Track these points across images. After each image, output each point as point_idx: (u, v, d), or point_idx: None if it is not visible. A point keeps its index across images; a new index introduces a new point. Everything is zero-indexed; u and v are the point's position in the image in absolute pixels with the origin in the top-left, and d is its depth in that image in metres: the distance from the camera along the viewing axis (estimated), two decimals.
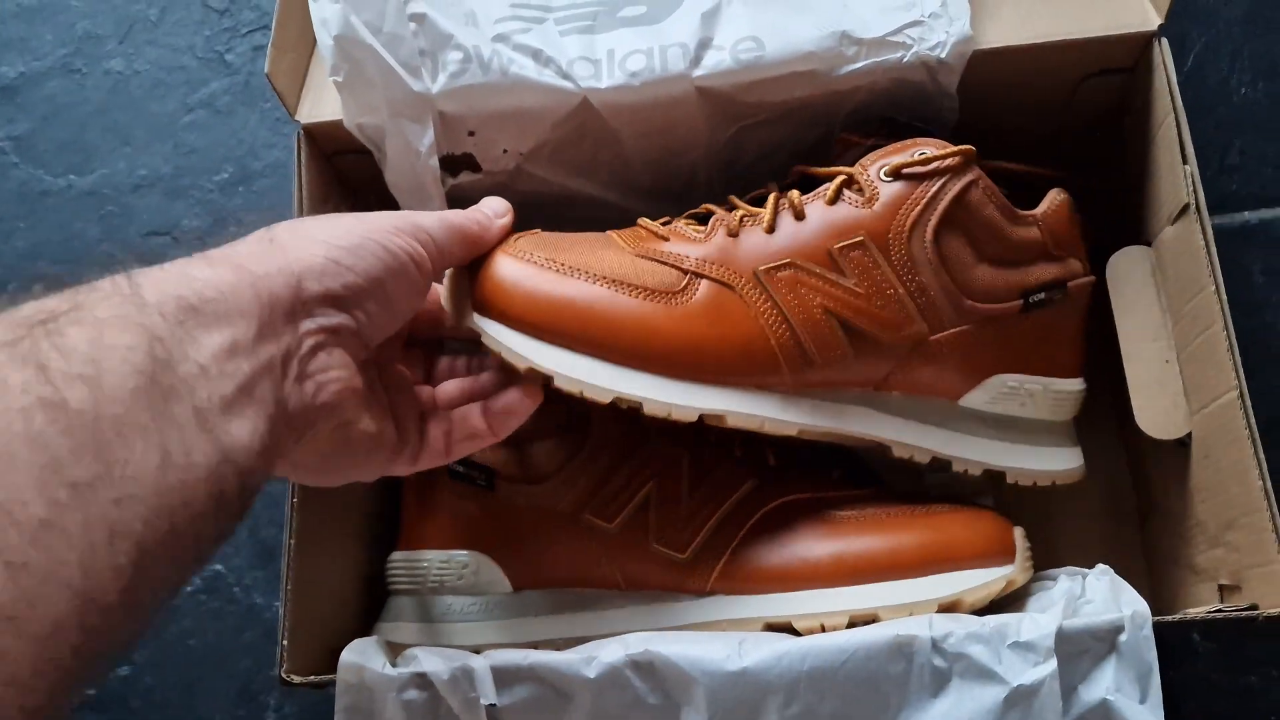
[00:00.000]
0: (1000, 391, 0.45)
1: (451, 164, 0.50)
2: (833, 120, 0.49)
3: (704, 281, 0.42)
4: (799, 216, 0.43)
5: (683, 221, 0.45)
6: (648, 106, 0.48)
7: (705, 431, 0.47)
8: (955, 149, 0.43)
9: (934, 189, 0.43)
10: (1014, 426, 0.46)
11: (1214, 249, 0.43)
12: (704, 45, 0.47)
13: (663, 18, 0.49)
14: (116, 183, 0.67)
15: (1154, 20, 0.47)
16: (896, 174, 0.43)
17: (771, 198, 0.44)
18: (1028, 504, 0.50)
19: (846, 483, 0.47)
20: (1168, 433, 0.46)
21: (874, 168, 0.43)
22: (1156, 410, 0.46)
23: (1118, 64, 0.49)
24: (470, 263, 0.42)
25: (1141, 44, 0.47)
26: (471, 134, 0.49)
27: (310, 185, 0.49)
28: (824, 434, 0.43)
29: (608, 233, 0.45)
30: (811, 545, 0.44)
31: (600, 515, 0.45)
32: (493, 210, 0.43)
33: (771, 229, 0.43)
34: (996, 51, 0.47)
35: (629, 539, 0.45)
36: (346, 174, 0.53)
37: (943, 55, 0.46)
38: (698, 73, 0.47)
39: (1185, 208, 0.44)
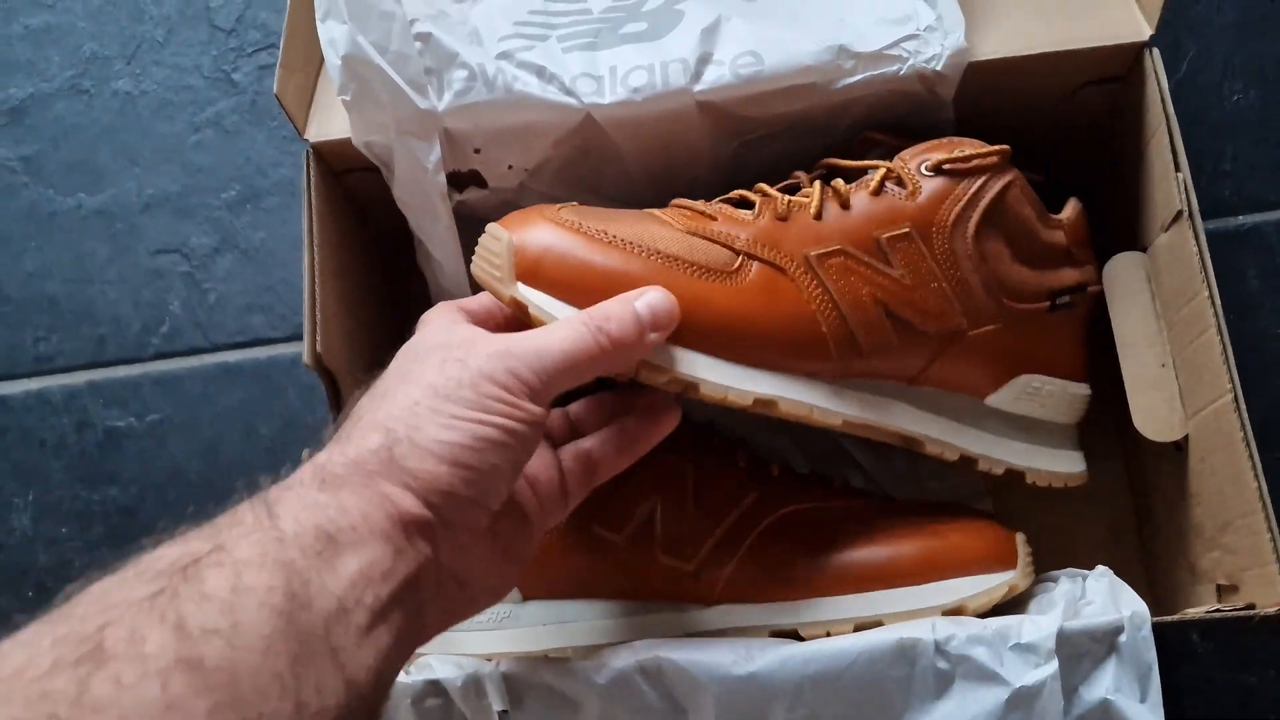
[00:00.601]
0: (1024, 392, 0.47)
1: (458, 180, 0.51)
2: (833, 132, 0.50)
3: (756, 263, 0.42)
4: (844, 205, 0.44)
5: (723, 204, 0.45)
6: (650, 121, 0.48)
7: (709, 442, 0.48)
8: (994, 148, 0.44)
9: (975, 186, 0.44)
10: (1032, 427, 0.48)
11: (1207, 255, 0.44)
12: (704, 60, 0.48)
13: (663, 34, 0.49)
14: (125, 202, 0.67)
15: (1145, 30, 0.48)
16: (938, 169, 0.44)
17: (816, 186, 0.44)
18: (1026, 509, 0.51)
19: (849, 492, 0.48)
20: (1164, 435, 0.47)
21: (914, 162, 0.44)
22: (1153, 414, 0.47)
23: (1110, 73, 0.49)
24: (510, 222, 0.41)
25: (1133, 54, 0.48)
26: (478, 151, 0.50)
27: (319, 203, 0.50)
28: (864, 426, 0.44)
29: (648, 210, 0.44)
30: (816, 555, 0.44)
31: (608, 526, 0.45)
32: (639, 318, 0.38)
33: (819, 215, 0.43)
34: (991, 63, 0.48)
35: (636, 550, 0.45)
36: (355, 191, 0.54)
37: (938, 67, 0.47)
38: (698, 87, 0.48)
39: (1179, 214, 0.45)
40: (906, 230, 0.43)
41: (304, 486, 0.30)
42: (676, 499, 0.46)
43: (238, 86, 0.69)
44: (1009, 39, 0.48)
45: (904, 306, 0.43)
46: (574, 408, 0.44)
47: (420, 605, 0.31)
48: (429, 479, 0.32)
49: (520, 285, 0.40)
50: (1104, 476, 0.54)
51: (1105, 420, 0.54)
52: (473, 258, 0.42)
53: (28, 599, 0.63)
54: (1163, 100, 0.46)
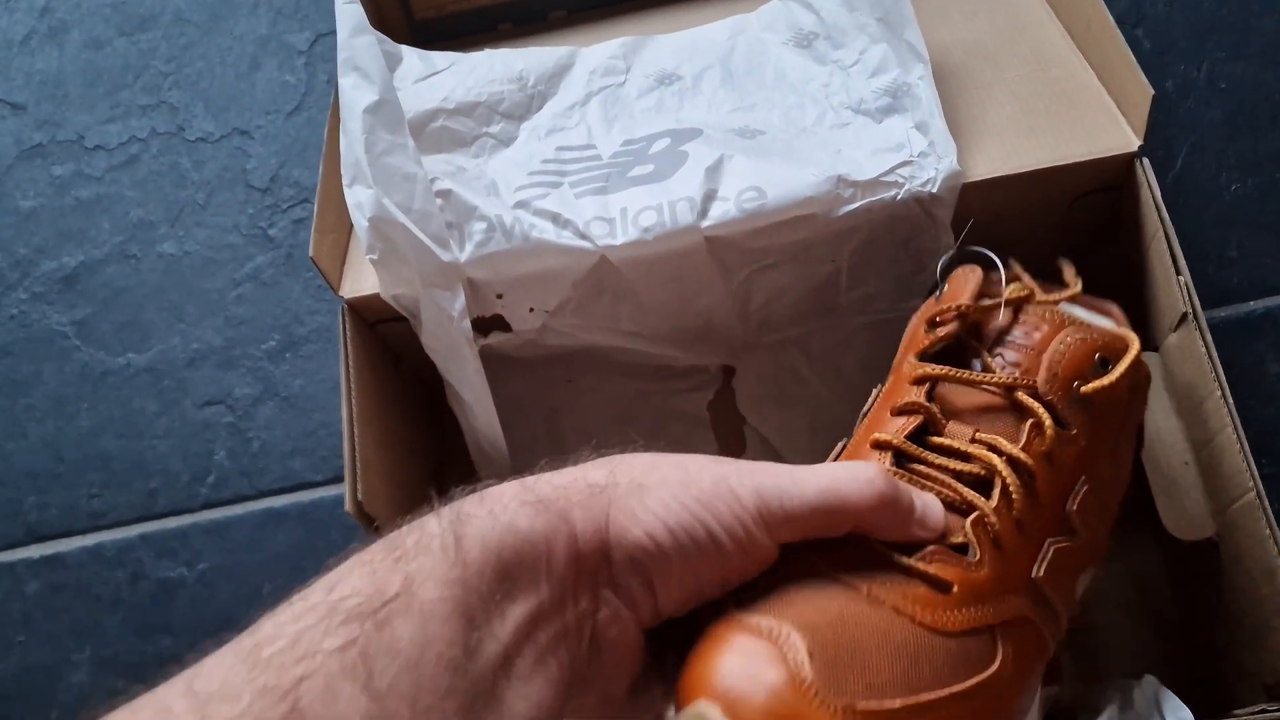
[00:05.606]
0: None
1: (483, 325, 0.53)
2: (837, 257, 0.52)
3: (1000, 629, 0.34)
4: (1031, 477, 0.38)
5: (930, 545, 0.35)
6: (661, 259, 0.51)
7: None
8: (1133, 355, 0.41)
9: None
10: None
11: (1215, 356, 0.45)
12: (709, 198, 0.50)
13: (669, 174, 0.52)
14: (172, 358, 0.71)
15: (1134, 141, 0.49)
16: (1086, 403, 0.40)
17: (998, 482, 0.37)
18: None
19: None
20: (1193, 534, 0.47)
21: (1052, 390, 0.40)
22: (1180, 512, 0.47)
23: (1105, 183, 0.51)
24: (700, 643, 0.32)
25: (1125, 164, 0.50)
26: (500, 296, 0.52)
27: (355, 353, 0.52)
28: None
29: (864, 588, 0.32)
30: None
31: None
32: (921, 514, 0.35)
33: (1019, 526, 0.37)
34: (986, 182, 0.50)
35: None
36: (387, 339, 0.56)
37: (934, 190, 0.49)
38: (706, 223, 0.50)
39: (1184, 316, 0.46)
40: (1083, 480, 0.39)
41: (499, 505, 0.30)
42: None
43: (274, 241, 0.73)
44: (1003, 158, 0.50)
45: (1078, 558, 0.39)
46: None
47: (577, 662, 0.31)
48: (626, 533, 0.31)
49: None
50: (1143, 576, 0.54)
51: (1140, 518, 0.54)
52: None
53: None
54: (1157, 207, 0.48)
